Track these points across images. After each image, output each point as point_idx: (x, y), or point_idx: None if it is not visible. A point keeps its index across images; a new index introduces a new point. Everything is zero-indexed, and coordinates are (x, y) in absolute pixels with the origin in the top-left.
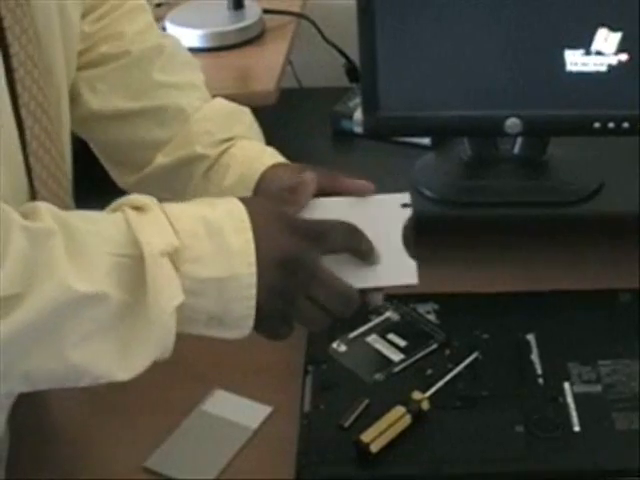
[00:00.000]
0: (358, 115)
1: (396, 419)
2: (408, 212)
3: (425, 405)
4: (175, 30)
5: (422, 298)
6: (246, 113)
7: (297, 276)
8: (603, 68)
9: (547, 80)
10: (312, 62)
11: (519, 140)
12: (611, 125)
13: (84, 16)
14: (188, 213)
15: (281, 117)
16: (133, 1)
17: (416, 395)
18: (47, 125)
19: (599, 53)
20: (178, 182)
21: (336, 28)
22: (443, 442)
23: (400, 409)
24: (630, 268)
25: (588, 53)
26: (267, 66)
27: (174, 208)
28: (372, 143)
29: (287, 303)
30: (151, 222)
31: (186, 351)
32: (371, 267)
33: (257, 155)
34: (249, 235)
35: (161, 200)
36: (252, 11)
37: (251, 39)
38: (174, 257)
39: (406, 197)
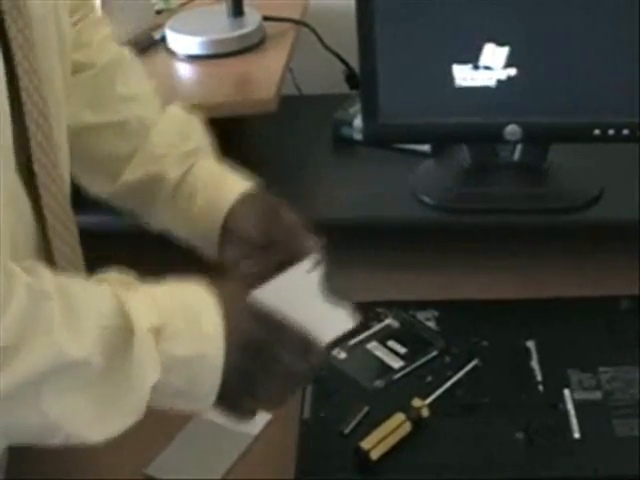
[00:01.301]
0: (358, 122)
1: (396, 426)
2: (318, 272)
3: (425, 412)
4: (175, 37)
5: (422, 305)
6: (198, 121)
7: (259, 358)
8: (492, 82)
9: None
10: (312, 69)
11: (519, 147)
12: (611, 132)
13: None
14: (169, 295)
15: (281, 124)
16: (95, 13)
17: (416, 402)
18: (48, 133)
19: (487, 68)
20: (145, 198)
21: (336, 35)
22: (443, 449)
23: (400, 416)
24: (630, 275)
25: (476, 68)
26: (267, 73)
27: (156, 289)
28: (372, 150)
29: (250, 383)
30: (138, 300)
31: None
32: (314, 331)
33: (222, 179)
34: (219, 320)
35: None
36: (252, 18)
37: (251, 46)
38: (156, 334)
39: (312, 260)
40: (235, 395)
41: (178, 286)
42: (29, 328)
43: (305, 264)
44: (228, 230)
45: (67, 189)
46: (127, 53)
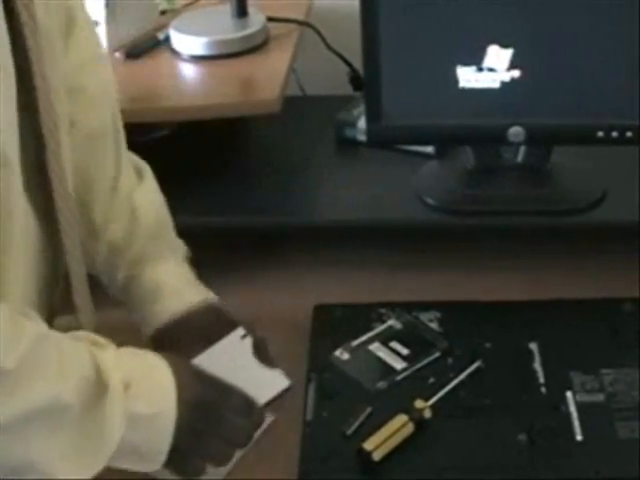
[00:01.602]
0: (362, 123)
1: (398, 427)
2: (249, 340)
3: (427, 413)
4: (179, 37)
5: (425, 306)
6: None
7: (207, 418)
8: (495, 84)
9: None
10: (316, 70)
11: (522, 149)
12: (614, 134)
13: None
14: (132, 355)
15: (285, 125)
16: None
17: (418, 403)
18: (57, 139)
19: (491, 70)
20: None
21: (340, 36)
22: (445, 450)
23: (402, 417)
24: (633, 277)
25: (480, 69)
26: (271, 74)
27: (122, 349)
28: (375, 151)
29: (197, 442)
30: (110, 358)
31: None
32: (251, 393)
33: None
34: (172, 380)
35: None
36: (256, 19)
37: (255, 47)
38: (125, 391)
39: (241, 330)
40: (184, 454)
41: (135, 350)
42: (33, 366)
43: (237, 332)
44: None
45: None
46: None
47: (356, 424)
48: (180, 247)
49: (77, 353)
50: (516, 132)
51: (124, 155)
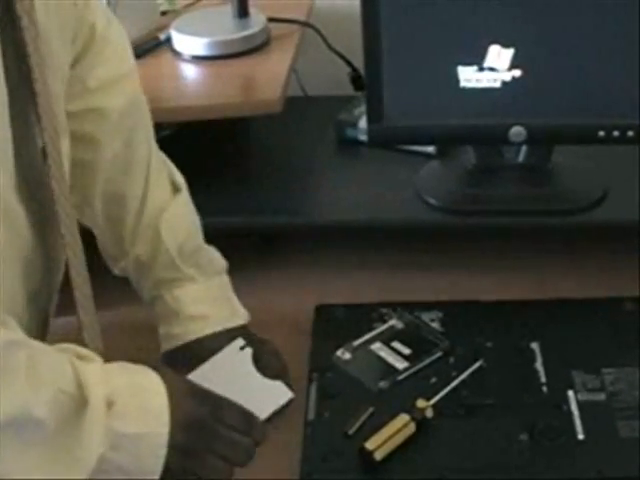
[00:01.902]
0: (363, 123)
1: (400, 427)
2: (249, 351)
3: (429, 413)
4: (180, 38)
5: (426, 306)
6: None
7: (202, 436)
8: (497, 84)
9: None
10: (317, 70)
11: (523, 148)
12: (616, 134)
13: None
14: (120, 371)
15: (286, 125)
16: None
17: (420, 403)
18: (55, 123)
19: (492, 69)
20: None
21: (341, 36)
22: (447, 450)
23: (404, 417)
24: (634, 276)
25: (481, 69)
26: (272, 74)
27: (109, 365)
28: (377, 151)
29: (192, 461)
30: (94, 372)
31: None
32: (252, 407)
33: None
34: (165, 400)
35: None
36: (257, 19)
37: (256, 47)
38: (108, 408)
39: (240, 341)
40: (178, 474)
41: (128, 365)
42: None
43: (236, 343)
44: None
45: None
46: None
47: (358, 424)
48: (214, 263)
49: (56, 365)
50: (517, 132)
51: (153, 172)
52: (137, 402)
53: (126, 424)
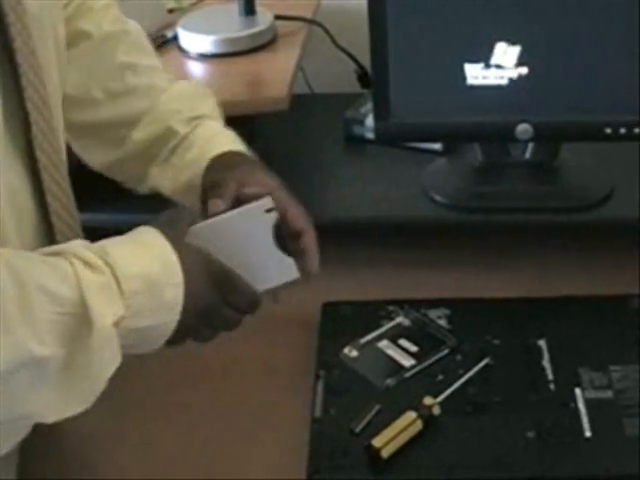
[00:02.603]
0: (369, 121)
1: (407, 424)
2: (273, 216)
3: (436, 410)
4: (187, 36)
5: (433, 303)
6: (209, 95)
7: (207, 318)
8: (503, 81)
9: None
10: (324, 68)
11: (530, 146)
12: (622, 131)
13: None
14: (134, 272)
15: (293, 123)
16: None
17: (427, 400)
18: (49, 118)
19: (499, 67)
20: (151, 156)
21: (348, 34)
22: (454, 447)
23: (411, 414)
24: None
25: (488, 67)
26: (279, 72)
27: (122, 267)
28: (383, 149)
29: (193, 334)
30: (101, 288)
31: (198, 357)
32: (256, 275)
33: (216, 137)
34: (181, 292)
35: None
36: (264, 17)
37: (263, 45)
38: (118, 321)
39: (268, 202)
40: (177, 342)
41: (143, 253)
42: None
43: (264, 202)
44: (206, 182)
45: (66, 172)
46: (135, 29)
47: (365, 421)
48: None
49: (51, 285)
50: (524, 129)
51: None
52: (151, 299)
53: (138, 321)
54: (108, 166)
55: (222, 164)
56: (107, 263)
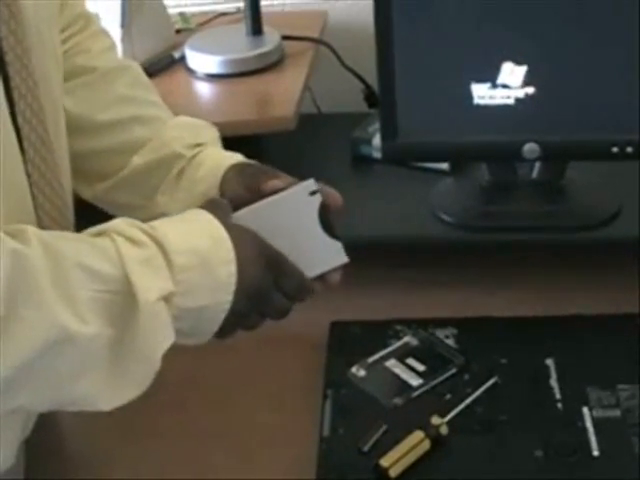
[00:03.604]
0: (377, 140)
1: (415, 444)
2: (318, 198)
3: (444, 430)
4: (194, 56)
5: (441, 322)
6: (211, 127)
7: (258, 302)
8: (510, 101)
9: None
10: (331, 88)
11: (537, 165)
12: (629, 150)
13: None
14: (183, 246)
15: (300, 143)
16: (95, 26)
17: (435, 420)
18: (42, 134)
19: (505, 86)
20: (151, 184)
21: (355, 54)
22: (462, 467)
23: (419, 434)
24: None
25: (494, 86)
26: (286, 92)
27: (170, 241)
28: (391, 168)
29: (242, 322)
30: (146, 262)
31: (206, 375)
32: (304, 261)
33: (222, 156)
34: (233, 268)
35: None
36: (271, 37)
37: (270, 65)
38: (168, 297)
39: (312, 184)
40: (227, 332)
41: (191, 228)
42: (16, 297)
43: (308, 184)
44: (230, 188)
45: (64, 193)
46: (135, 66)
47: (372, 440)
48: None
49: (94, 268)
50: (531, 148)
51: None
52: (203, 276)
53: (191, 300)
54: (100, 194)
55: (243, 168)
56: (153, 237)
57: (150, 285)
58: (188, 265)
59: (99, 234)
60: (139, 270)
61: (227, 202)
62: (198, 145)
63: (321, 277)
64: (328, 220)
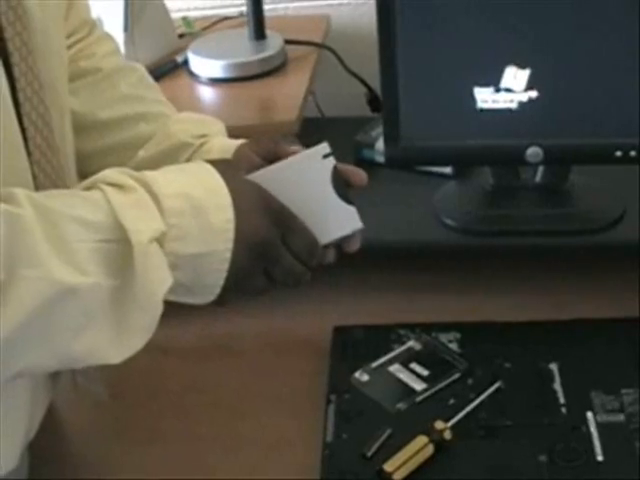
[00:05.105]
0: (380, 144)
1: (419, 449)
2: (331, 161)
3: (447, 435)
4: (197, 60)
5: (444, 327)
6: (217, 121)
7: (263, 258)
8: (513, 105)
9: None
10: (334, 92)
11: (541, 169)
12: (633, 154)
13: None
14: (173, 190)
15: (303, 147)
16: (99, 31)
17: (439, 424)
18: (48, 136)
19: (508, 90)
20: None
21: (357, 58)
22: (466, 472)
23: (423, 439)
24: None
25: (498, 90)
26: (289, 96)
27: (159, 184)
28: (394, 172)
29: (247, 281)
30: (136, 205)
31: (209, 379)
32: (317, 225)
33: (235, 140)
34: (230, 215)
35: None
36: (274, 42)
37: (273, 69)
38: (160, 239)
39: (325, 147)
40: (231, 293)
41: (184, 176)
42: (13, 258)
43: (321, 148)
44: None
45: None
46: (140, 68)
47: (376, 445)
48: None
49: (83, 215)
50: (534, 152)
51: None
52: (197, 221)
53: (185, 246)
54: None
55: (256, 140)
56: (141, 181)
57: (141, 227)
58: (179, 209)
59: (89, 187)
60: (129, 214)
61: (245, 163)
62: (204, 136)
63: (338, 247)
64: (341, 184)
